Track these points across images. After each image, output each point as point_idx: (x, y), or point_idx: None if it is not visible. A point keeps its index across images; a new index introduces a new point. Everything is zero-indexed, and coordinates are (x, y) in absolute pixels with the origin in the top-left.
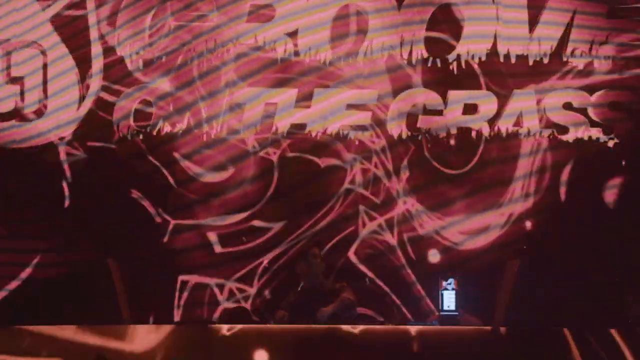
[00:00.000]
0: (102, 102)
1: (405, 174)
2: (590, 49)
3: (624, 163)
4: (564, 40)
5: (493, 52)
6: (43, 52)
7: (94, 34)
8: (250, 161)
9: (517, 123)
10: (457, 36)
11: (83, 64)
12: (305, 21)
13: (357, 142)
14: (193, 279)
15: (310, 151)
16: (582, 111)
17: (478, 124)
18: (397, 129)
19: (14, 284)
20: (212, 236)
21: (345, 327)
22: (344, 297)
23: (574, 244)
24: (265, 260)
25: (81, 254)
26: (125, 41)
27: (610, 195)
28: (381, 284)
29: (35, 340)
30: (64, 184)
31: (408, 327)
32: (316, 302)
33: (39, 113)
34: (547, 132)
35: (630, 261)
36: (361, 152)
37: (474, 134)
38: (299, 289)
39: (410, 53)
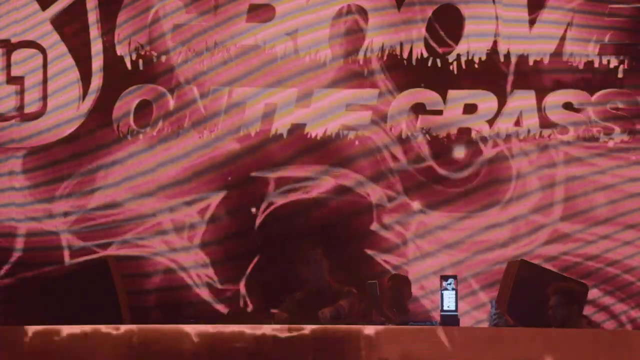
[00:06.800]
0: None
1: None
2: None
3: None
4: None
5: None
6: (43, 52)
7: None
8: None
9: None
10: None
11: (83, 62)
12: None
13: None
14: None
15: None
16: None
17: None
18: None
19: None
20: None
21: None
22: (338, 305)
23: None
24: None
25: None
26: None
27: None
28: None
29: None
30: None
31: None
32: (322, 303)
33: (39, 112)
34: None
35: None
36: None
37: None
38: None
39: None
